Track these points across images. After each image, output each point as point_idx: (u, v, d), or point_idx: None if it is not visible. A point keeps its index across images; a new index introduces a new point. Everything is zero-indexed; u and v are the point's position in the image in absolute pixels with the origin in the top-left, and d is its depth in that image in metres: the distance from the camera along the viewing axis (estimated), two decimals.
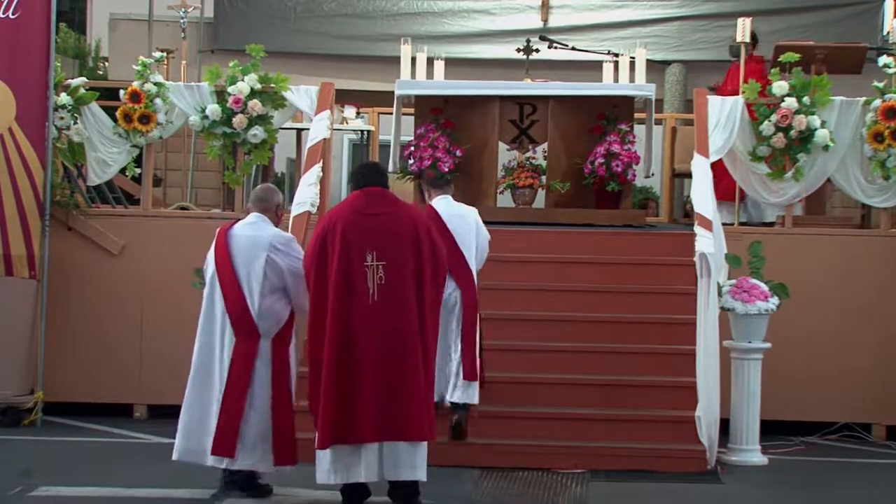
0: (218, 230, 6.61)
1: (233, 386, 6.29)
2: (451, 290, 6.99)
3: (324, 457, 6.08)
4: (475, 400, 7.14)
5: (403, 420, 5.97)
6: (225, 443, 6.26)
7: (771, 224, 9.64)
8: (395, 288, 6.01)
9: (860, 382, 8.76)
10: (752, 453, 7.73)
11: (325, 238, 6.11)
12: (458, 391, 7.06)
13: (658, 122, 10.84)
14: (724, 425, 7.62)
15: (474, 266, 7.25)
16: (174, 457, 6.44)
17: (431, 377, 6.19)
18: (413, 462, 6.05)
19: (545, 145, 9.57)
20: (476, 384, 7.12)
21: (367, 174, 6.30)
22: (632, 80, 9.59)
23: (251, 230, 6.45)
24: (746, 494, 6.97)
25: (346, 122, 11.92)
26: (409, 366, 6.00)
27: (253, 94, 9.03)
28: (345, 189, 6.74)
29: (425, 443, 6.09)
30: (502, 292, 8.29)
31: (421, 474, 6.08)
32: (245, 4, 13.68)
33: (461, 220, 7.26)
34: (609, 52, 10.26)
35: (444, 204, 7.31)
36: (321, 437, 6.03)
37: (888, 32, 11.90)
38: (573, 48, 11.08)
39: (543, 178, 9.51)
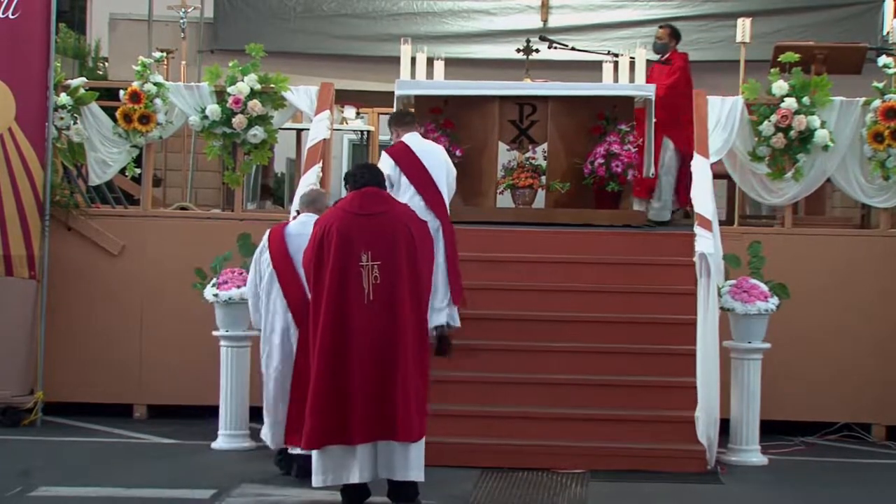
0: (270, 231, 6.94)
1: (300, 375, 6.57)
2: (430, 222, 7.24)
3: (318, 460, 6.08)
4: (458, 322, 7.42)
5: (392, 421, 5.98)
6: (297, 430, 6.48)
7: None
8: (390, 288, 6.05)
9: (860, 382, 8.75)
10: (751, 453, 7.72)
11: (322, 239, 6.14)
12: (441, 315, 7.25)
13: None
14: (724, 425, 7.62)
15: (447, 197, 7.59)
16: (274, 446, 6.87)
17: (424, 377, 6.18)
18: (407, 463, 6.06)
19: (545, 145, 9.57)
20: (456, 308, 7.45)
21: (362, 175, 6.34)
22: (632, 80, 9.59)
23: (307, 229, 6.58)
24: (746, 495, 6.97)
25: (346, 123, 11.93)
26: (400, 367, 6.02)
27: (253, 94, 9.03)
28: (344, 190, 6.96)
29: (421, 444, 6.09)
30: (502, 293, 8.30)
31: (415, 474, 6.09)
32: (245, 4, 13.66)
33: (431, 155, 7.65)
34: (609, 52, 10.25)
35: (414, 140, 7.71)
36: (312, 437, 6.04)
37: (888, 33, 11.91)
38: (573, 48, 11.05)
39: (543, 178, 9.51)
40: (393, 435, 6.00)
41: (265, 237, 6.99)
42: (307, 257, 6.31)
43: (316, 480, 6.09)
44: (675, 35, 10.32)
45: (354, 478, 6.05)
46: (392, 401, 5.99)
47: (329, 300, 6.03)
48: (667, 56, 10.21)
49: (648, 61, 9.88)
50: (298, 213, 7.21)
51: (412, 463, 6.07)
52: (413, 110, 8.62)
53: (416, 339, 6.10)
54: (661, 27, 10.64)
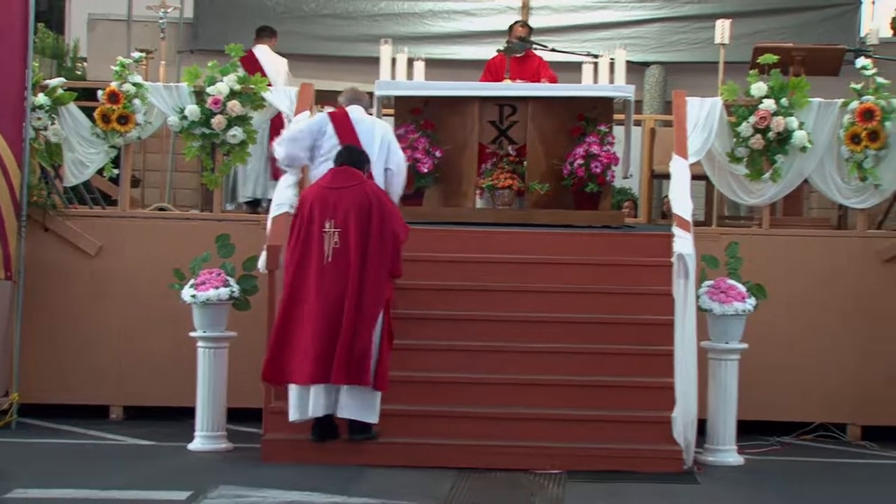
0: (328, 113, 7.97)
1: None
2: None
3: (289, 397, 7.17)
4: None
5: (336, 365, 6.98)
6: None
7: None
8: (346, 252, 7.08)
9: (836, 383, 8.79)
10: (728, 453, 7.74)
11: (300, 208, 7.28)
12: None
13: (637, 123, 10.87)
14: (701, 425, 7.63)
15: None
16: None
17: (369, 329, 7.05)
18: (359, 404, 7.07)
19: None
20: None
21: (341, 155, 7.45)
22: (611, 81, 9.59)
23: (365, 115, 7.93)
24: (722, 495, 6.98)
25: None
26: (346, 320, 7.02)
27: (232, 94, 9.01)
28: None
29: (368, 388, 7.05)
30: (480, 293, 8.30)
31: (369, 417, 7.11)
32: (225, 4, 13.64)
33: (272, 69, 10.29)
34: (589, 53, 10.27)
35: (263, 51, 10.53)
36: (267, 372, 7.19)
37: (866, 34, 11.98)
38: (553, 49, 11.08)
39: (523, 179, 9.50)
40: (338, 378, 6.96)
41: (319, 117, 7.94)
42: (293, 222, 7.32)
43: (292, 415, 7.14)
44: (531, 33, 10.77)
45: (312, 412, 7.06)
46: (339, 348, 6.96)
47: (296, 260, 7.13)
48: (525, 53, 10.47)
49: (628, 62, 9.88)
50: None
51: (364, 405, 7.08)
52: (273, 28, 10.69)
53: (368, 297, 7.05)
54: (520, 25, 10.79)
